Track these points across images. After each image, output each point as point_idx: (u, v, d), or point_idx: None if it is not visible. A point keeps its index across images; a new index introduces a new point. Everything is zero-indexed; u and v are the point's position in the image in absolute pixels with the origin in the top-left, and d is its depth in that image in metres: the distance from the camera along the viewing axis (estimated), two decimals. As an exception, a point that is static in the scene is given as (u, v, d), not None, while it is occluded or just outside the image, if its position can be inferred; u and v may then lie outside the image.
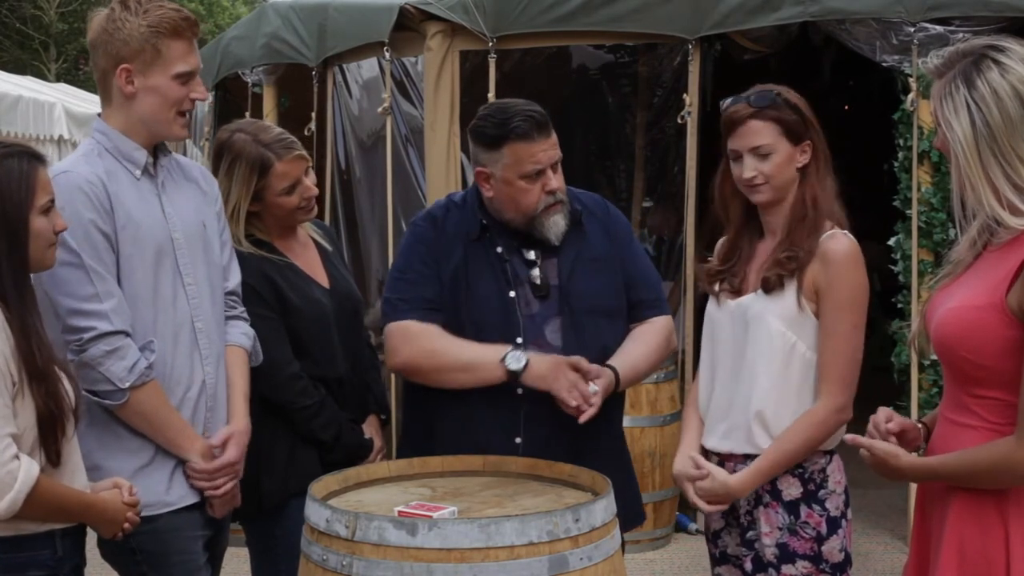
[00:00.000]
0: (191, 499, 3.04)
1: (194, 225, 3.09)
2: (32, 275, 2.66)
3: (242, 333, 3.21)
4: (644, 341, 3.26)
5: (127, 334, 2.90)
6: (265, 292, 3.32)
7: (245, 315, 3.25)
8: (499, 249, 3.21)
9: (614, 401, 3.21)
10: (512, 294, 3.18)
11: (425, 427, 3.26)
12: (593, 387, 3.03)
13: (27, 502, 2.51)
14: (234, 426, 3.10)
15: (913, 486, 4.45)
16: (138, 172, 3.01)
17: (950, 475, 2.48)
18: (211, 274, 3.12)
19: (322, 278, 3.48)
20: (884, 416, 2.63)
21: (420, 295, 3.19)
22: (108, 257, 2.91)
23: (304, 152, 3.46)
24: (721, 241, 3.24)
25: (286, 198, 3.39)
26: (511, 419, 3.13)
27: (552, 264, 3.22)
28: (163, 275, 2.99)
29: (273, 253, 3.40)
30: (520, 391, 3.09)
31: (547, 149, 3.14)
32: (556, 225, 3.18)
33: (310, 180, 3.45)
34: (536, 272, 3.20)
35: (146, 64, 2.96)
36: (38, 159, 2.65)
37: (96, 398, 2.90)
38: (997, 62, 2.42)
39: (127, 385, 2.89)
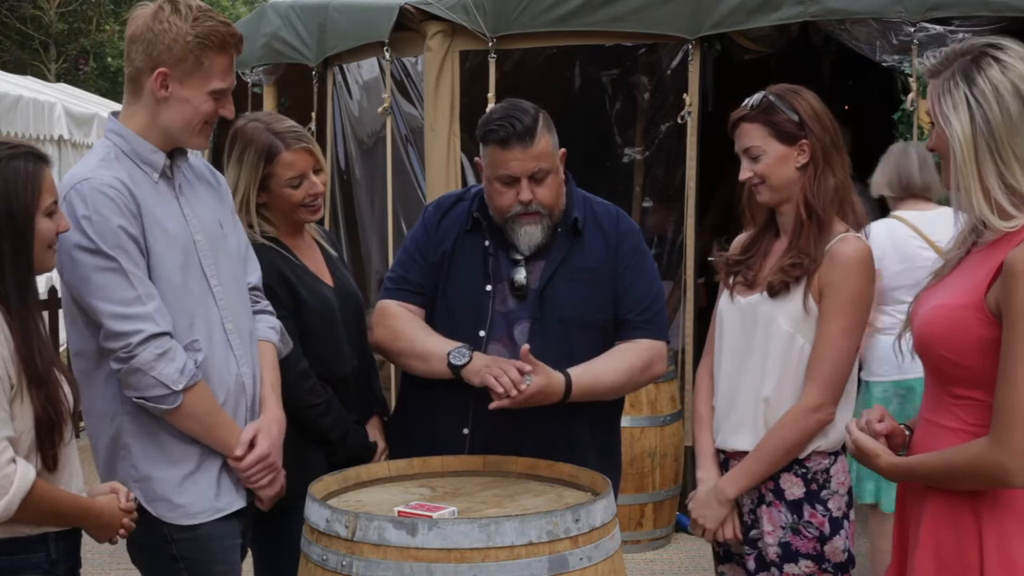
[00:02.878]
0: (240, 503, 3.02)
1: (212, 225, 3.06)
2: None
3: (269, 327, 3.19)
4: (615, 357, 3.21)
5: (171, 335, 2.86)
6: (279, 289, 3.32)
7: (269, 308, 3.23)
8: (487, 243, 3.24)
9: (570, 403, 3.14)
10: (488, 288, 3.21)
11: (402, 408, 3.42)
12: (528, 379, 2.98)
13: (23, 506, 2.50)
14: (261, 420, 3.05)
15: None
16: (156, 175, 2.96)
17: (927, 475, 2.49)
18: (234, 273, 3.09)
19: (327, 278, 3.49)
20: (878, 414, 2.64)
21: (405, 277, 3.30)
22: (141, 261, 2.86)
23: (314, 148, 3.45)
24: (742, 235, 3.27)
25: (291, 191, 3.38)
26: (462, 410, 3.16)
27: (538, 266, 3.22)
28: (191, 277, 2.95)
29: (283, 249, 3.41)
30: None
31: (523, 160, 3.11)
32: (527, 235, 3.18)
33: (318, 179, 3.43)
34: (521, 272, 3.20)
35: (185, 73, 2.88)
36: (43, 160, 2.63)
37: (149, 404, 2.85)
38: (997, 60, 2.41)
39: (181, 387, 2.84)
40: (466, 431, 3.18)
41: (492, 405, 2.98)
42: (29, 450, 2.55)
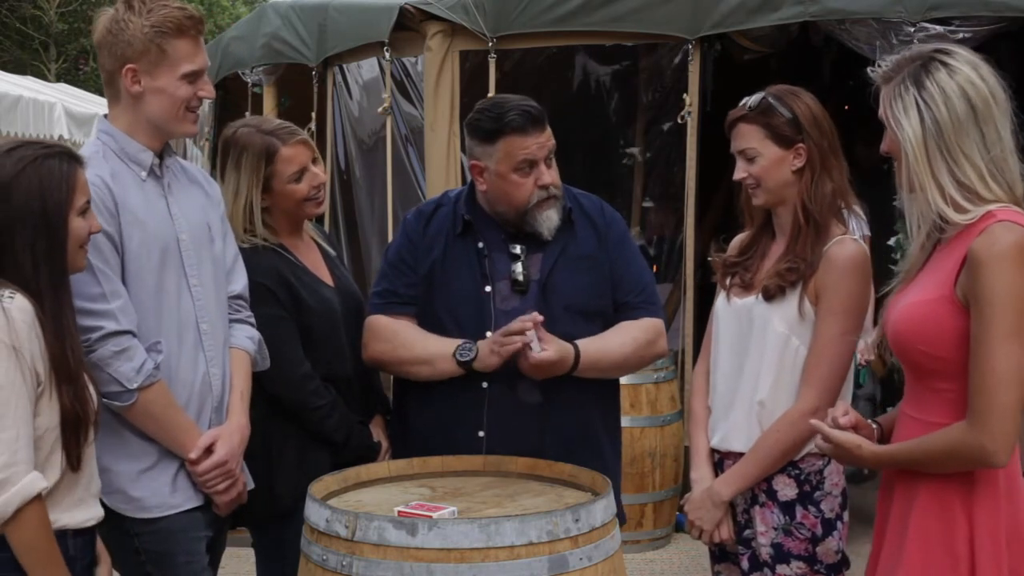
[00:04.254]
0: (195, 501, 3.03)
1: (199, 226, 3.09)
2: None
3: (247, 337, 3.20)
4: (621, 331, 3.26)
5: (133, 334, 2.89)
6: (279, 292, 3.32)
7: (251, 319, 3.24)
8: (480, 244, 3.24)
9: (584, 392, 3.18)
10: (488, 289, 3.21)
11: (401, 420, 3.40)
12: (532, 336, 3.01)
13: (21, 519, 2.46)
14: (224, 427, 3.07)
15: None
16: (143, 173, 3.00)
17: (908, 461, 2.56)
18: (217, 277, 3.11)
19: (327, 278, 3.49)
20: (842, 410, 2.69)
21: (392, 290, 3.30)
22: (113, 258, 2.90)
23: (308, 139, 3.47)
24: (740, 235, 3.27)
25: (295, 186, 3.39)
26: (476, 413, 3.16)
27: (537, 259, 3.24)
28: (168, 276, 2.99)
29: (283, 251, 3.40)
30: (485, 385, 3.15)
31: (542, 142, 3.17)
32: (549, 220, 3.21)
33: (318, 169, 3.46)
34: (519, 267, 3.21)
35: (152, 64, 2.94)
36: (77, 160, 2.66)
37: (104, 400, 2.87)
38: (945, 64, 2.51)
39: (135, 386, 2.88)
40: (481, 434, 3.18)
41: (532, 359, 3.02)
42: (53, 447, 2.55)
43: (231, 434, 3.06)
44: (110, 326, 2.85)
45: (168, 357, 2.97)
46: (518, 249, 3.22)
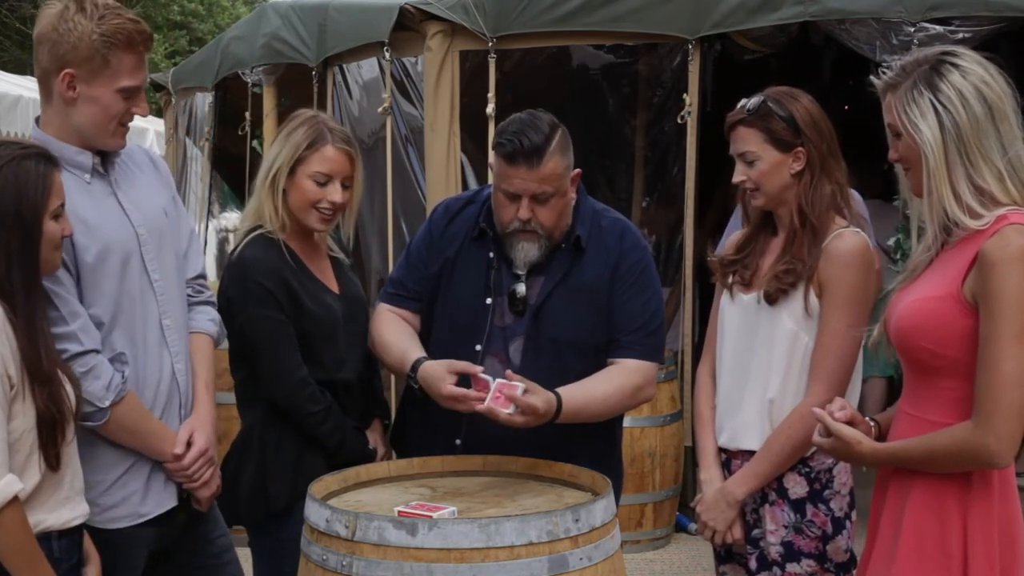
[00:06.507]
0: (170, 503, 3.01)
1: (155, 216, 3.02)
2: None
3: (208, 320, 3.16)
4: (605, 379, 3.12)
5: (98, 351, 2.84)
6: (280, 295, 3.29)
7: (212, 299, 3.19)
8: (491, 254, 3.20)
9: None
10: (488, 301, 3.18)
11: (402, 416, 3.43)
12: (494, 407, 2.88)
13: (1, 522, 2.45)
14: (194, 418, 3.05)
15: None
16: (87, 176, 2.92)
17: (909, 459, 2.55)
18: (177, 262, 3.07)
19: (332, 284, 3.47)
20: (838, 405, 2.68)
21: (403, 282, 3.31)
22: (66, 278, 2.80)
23: (356, 158, 3.35)
24: (736, 233, 3.27)
25: (312, 185, 3.29)
26: (455, 420, 3.11)
27: (538, 282, 3.18)
28: (130, 277, 2.92)
29: (288, 253, 3.38)
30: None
31: (527, 180, 3.04)
32: (523, 251, 3.13)
33: (342, 190, 3.32)
34: (521, 287, 3.17)
35: (92, 73, 2.82)
36: (53, 162, 2.64)
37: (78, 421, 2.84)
38: (956, 66, 2.50)
39: (107, 404, 2.83)
40: (458, 442, 3.18)
41: (501, 419, 2.91)
42: (31, 449, 2.54)
43: (203, 424, 3.05)
44: (74, 347, 2.78)
45: (134, 362, 2.92)
46: (520, 268, 3.18)
